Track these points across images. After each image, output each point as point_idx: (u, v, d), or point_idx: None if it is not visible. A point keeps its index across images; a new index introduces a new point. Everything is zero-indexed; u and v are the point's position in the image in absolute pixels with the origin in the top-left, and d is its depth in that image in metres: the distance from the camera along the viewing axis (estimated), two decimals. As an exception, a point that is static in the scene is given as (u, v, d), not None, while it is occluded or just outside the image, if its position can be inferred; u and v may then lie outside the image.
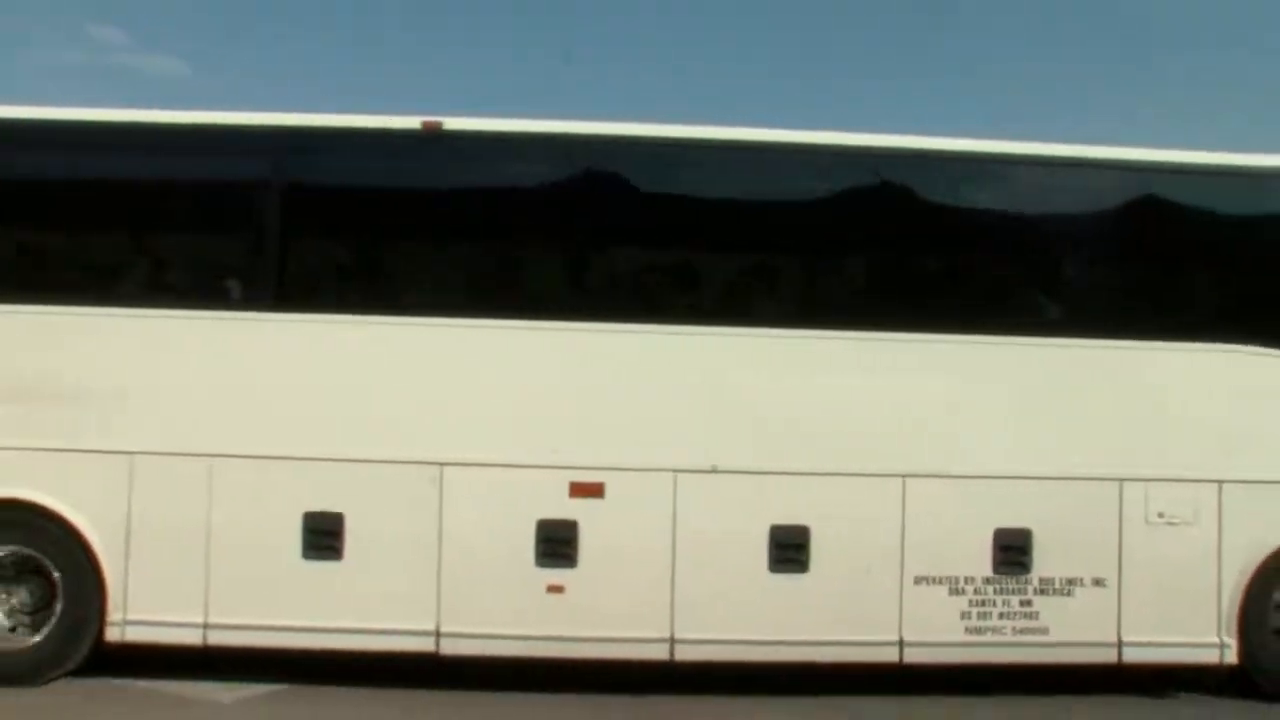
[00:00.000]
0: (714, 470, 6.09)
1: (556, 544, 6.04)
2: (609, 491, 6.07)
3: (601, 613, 6.03)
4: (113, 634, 6.00)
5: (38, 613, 6.15)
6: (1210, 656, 6.24)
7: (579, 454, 6.08)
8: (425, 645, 6.02)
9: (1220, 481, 6.23)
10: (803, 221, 6.46)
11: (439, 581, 6.02)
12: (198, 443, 6.02)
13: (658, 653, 6.08)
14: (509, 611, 6.03)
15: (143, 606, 5.99)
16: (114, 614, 5.99)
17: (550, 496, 6.06)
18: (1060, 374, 6.28)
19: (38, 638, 6.07)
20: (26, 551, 6.10)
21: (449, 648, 6.02)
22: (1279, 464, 6.24)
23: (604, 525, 6.05)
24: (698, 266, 6.56)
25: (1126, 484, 6.22)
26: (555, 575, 6.05)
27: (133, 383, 6.08)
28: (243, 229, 6.30)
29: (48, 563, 6.06)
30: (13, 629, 6.14)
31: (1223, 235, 6.55)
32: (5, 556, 6.13)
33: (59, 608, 6.04)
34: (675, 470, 6.09)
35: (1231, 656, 6.24)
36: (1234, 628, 6.23)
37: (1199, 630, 6.22)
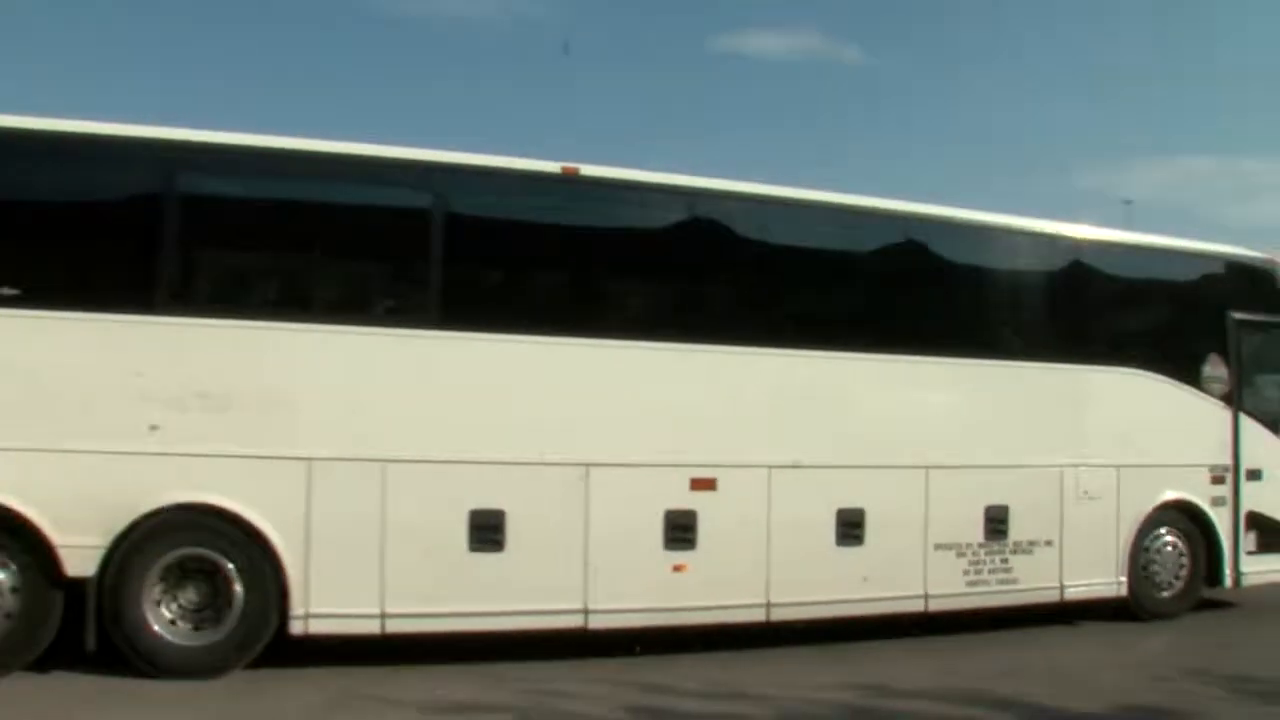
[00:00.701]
0: (796, 465, 7.58)
1: (680, 530, 7.25)
2: (720, 485, 7.36)
3: (714, 585, 7.31)
4: (296, 627, 6.42)
5: (202, 611, 6.39)
6: (1114, 591, 8.69)
7: (697, 455, 7.32)
8: (575, 622, 7.00)
9: (1119, 466, 8.69)
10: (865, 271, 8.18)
11: (586, 566, 7.01)
12: (372, 449, 6.57)
13: (758, 616, 7.47)
14: (643, 588, 7.15)
15: (324, 600, 6.45)
16: (296, 609, 6.40)
17: (674, 490, 7.25)
18: (1021, 390, 8.43)
19: (219, 635, 6.34)
20: (203, 553, 6.33)
21: (596, 623, 7.03)
22: (1153, 453, 8.82)
23: (717, 513, 7.33)
24: (784, 301, 7.97)
25: (1065, 470, 8.50)
26: (679, 556, 7.25)
27: (310, 393, 6.51)
28: (412, 255, 6.88)
29: (227, 563, 6.33)
30: (172, 622, 6.33)
31: (1121, 292, 9.06)
32: (182, 558, 6.31)
33: (239, 605, 6.34)
34: (769, 466, 7.51)
35: (1124, 590, 8.73)
36: (1125, 569, 8.73)
37: (1108, 573, 8.64)
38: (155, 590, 6.28)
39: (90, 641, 6.12)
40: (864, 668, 7.11)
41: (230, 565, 6.33)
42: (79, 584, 6.06)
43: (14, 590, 6.01)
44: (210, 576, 6.39)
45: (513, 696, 6.02)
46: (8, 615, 6.00)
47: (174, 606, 6.34)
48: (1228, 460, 9.08)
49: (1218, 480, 9.04)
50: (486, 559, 6.80)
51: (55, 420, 6.11)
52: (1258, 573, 9.18)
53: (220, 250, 6.75)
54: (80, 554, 6.05)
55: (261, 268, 6.91)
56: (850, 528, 7.74)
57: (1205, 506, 8.98)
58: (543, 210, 7.31)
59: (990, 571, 8.23)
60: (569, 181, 7.22)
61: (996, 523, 8.24)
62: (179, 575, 6.35)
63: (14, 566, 6.02)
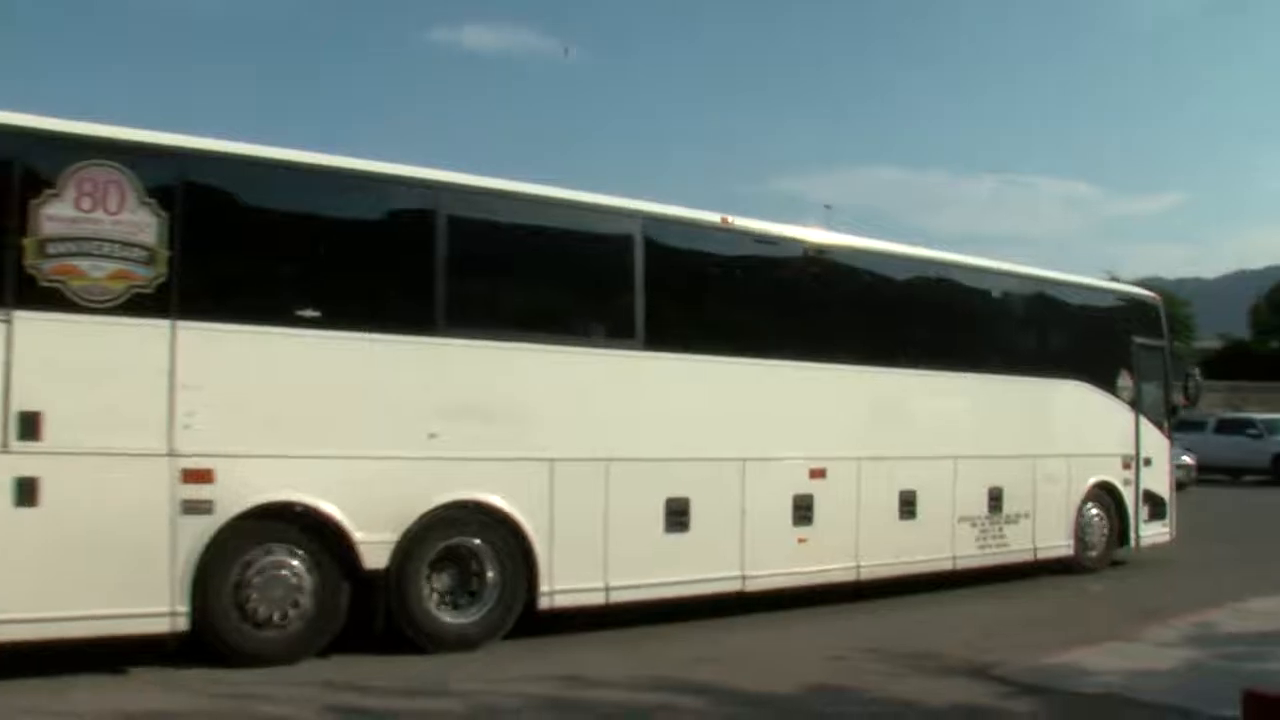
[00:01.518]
0: (875, 458, 9.56)
1: (803, 510, 9.03)
2: (829, 474, 9.21)
3: (824, 554, 9.15)
4: (543, 603, 7.59)
5: (455, 594, 7.41)
6: (1066, 552, 11.32)
7: (814, 450, 9.12)
8: (736, 586, 8.60)
9: (1069, 456, 11.37)
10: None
11: (742, 541, 8.63)
12: (598, 450, 7.87)
13: (850, 576, 9.38)
14: (778, 557, 8.85)
15: (564, 578, 7.67)
16: (544, 587, 7.58)
17: (798, 479, 9.03)
18: (1008, 397, 10.89)
19: (479, 613, 7.38)
20: (465, 542, 7.35)
21: (749, 586, 8.67)
22: (1089, 445, 11.57)
23: (827, 496, 9.17)
24: (874, 332, 9.87)
25: (1036, 459, 11.05)
26: (802, 531, 9.03)
27: (552, 404, 7.71)
28: (617, 287, 8.19)
29: (487, 550, 7.39)
30: (437, 605, 7.31)
31: (1069, 320, 11.78)
32: (447, 548, 7.29)
33: (495, 587, 7.42)
34: (858, 459, 9.44)
35: (1071, 551, 11.39)
36: (1072, 535, 11.41)
37: (1063, 538, 11.28)
38: (428, 577, 7.27)
39: (379, 625, 7.02)
40: (559, 659, 7.13)
41: (490, 552, 7.42)
42: (369, 576, 6.95)
43: (316, 587, 6.78)
44: (461, 563, 7.43)
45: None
46: (310, 609, 6.76)
47: (435, 592, 7.34)
48: (1133, 451, 12.04)
49: (1127, 466, 11.98)
50: (677, 538, 8.27)
51: (351, 429, 6.97)
52: (1149, 536, 12.23)
53: (486, 281, 7.75)
54: (376, 548, 6.94)
55: (517, 298, 7.97)
56: (907, 506, 9.85)
57: (1120, 486, 11.87)
58: (709, 254, 8.88)
59: (992, 538, 10.61)
60: (727, 230, 8.84)
61: (995, 500, 10.63)
62: (434, 564, 7.35)
63: (316, 564, 6.80)
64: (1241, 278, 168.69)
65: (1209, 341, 51.58)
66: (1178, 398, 12.79)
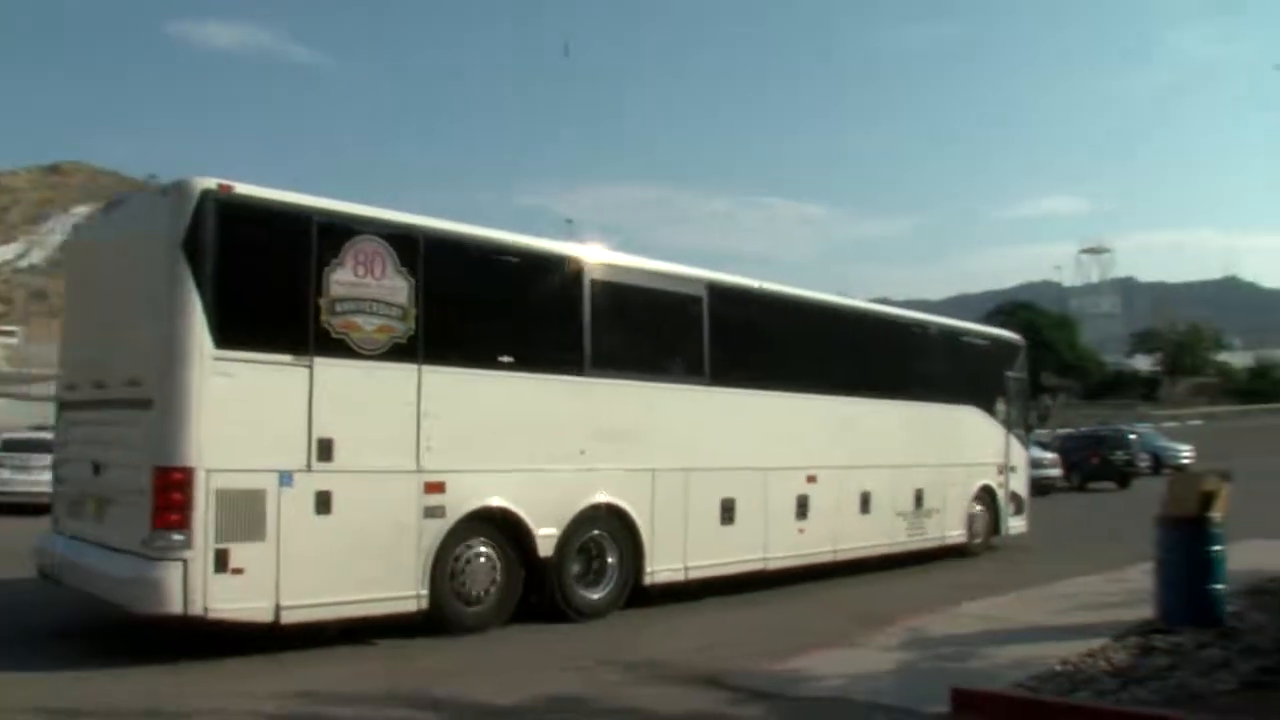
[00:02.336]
0: (845, 467, 12.34)
1: (802, 507, 11.68)
2: (819, 480, 11.90)
3: (814, 540, 11.83)
4: (647, 580, 9.81)
5: (585, 575, 9.49)
6: (962, 539, 14.60)
7: (808, 461, 11.79)
8: (760, 566, 11.12)
9: (966, 465, 14.68)
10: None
11: (765, 530, 11.16)
12: (681, 462, 10.17)
13: (830, 558, 12.11)
14: (785, 544, 11.45)
15: (659, 561, 9.93)
16: (648, 568, 9.81)
17: (800, 483, 11.67)
18: (930, 419, 14.03)
19: (603, 592, 9.51)
20: (598, 534, 9.44)
21: (769, 565, 11.22)
22: (978, 457, 14.92)
23: (817, 496, 11.86)
24: (847, 370, 12.65)
25: (944, 467, 14.25)
26: (801, 523, 11.67)
27: (653, 427, 9.94)
28: (693, 337, 10.50)
29: (610, 540, 9.53)
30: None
31: (967, 358, 15.09)
32: (587, 539, 9.37)
33: (617, 569, 9.57)
34: (835, 467, 12.17)
35: (965, 538, 14.70)
36: (965, 526, 14.72)
37: (960, 529, 14.56)
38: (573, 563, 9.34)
39: (546, 601, 9.04)
40: (298, 674, 7.06)
41: (611, 541, 9.58)
42: (541, 563, 8.93)
43: (503, 571, 8.73)
44: (588, 551, 9.52)
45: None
46: (501, 588, 8.69)
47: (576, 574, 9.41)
48: (1004, 460, 15.56)
49: (1000, 472, 15.46)
50: (726, 529, 10.70)
51: (532, 448, 8.95)
52: (1014, 527, 15.80)
53: (614, 333, 9.78)
54: (546, 540, 8.97)
55: (631, 345, 10.06)
56: (865, 503, 12.72)
57: (996, 488, 15.34)
58: (750, 311, 11.36)
59: (916, 529, 13.69)
60: (761, 293, 11.40)
61: (919, 500, 13.73)
62: (578, 552, 9.42)
63: (503, 554, 8.73)
64: (963, 300, 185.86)
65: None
66: (1033, 418, 16.50)
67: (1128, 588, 9.96)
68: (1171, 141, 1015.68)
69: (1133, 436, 33.12)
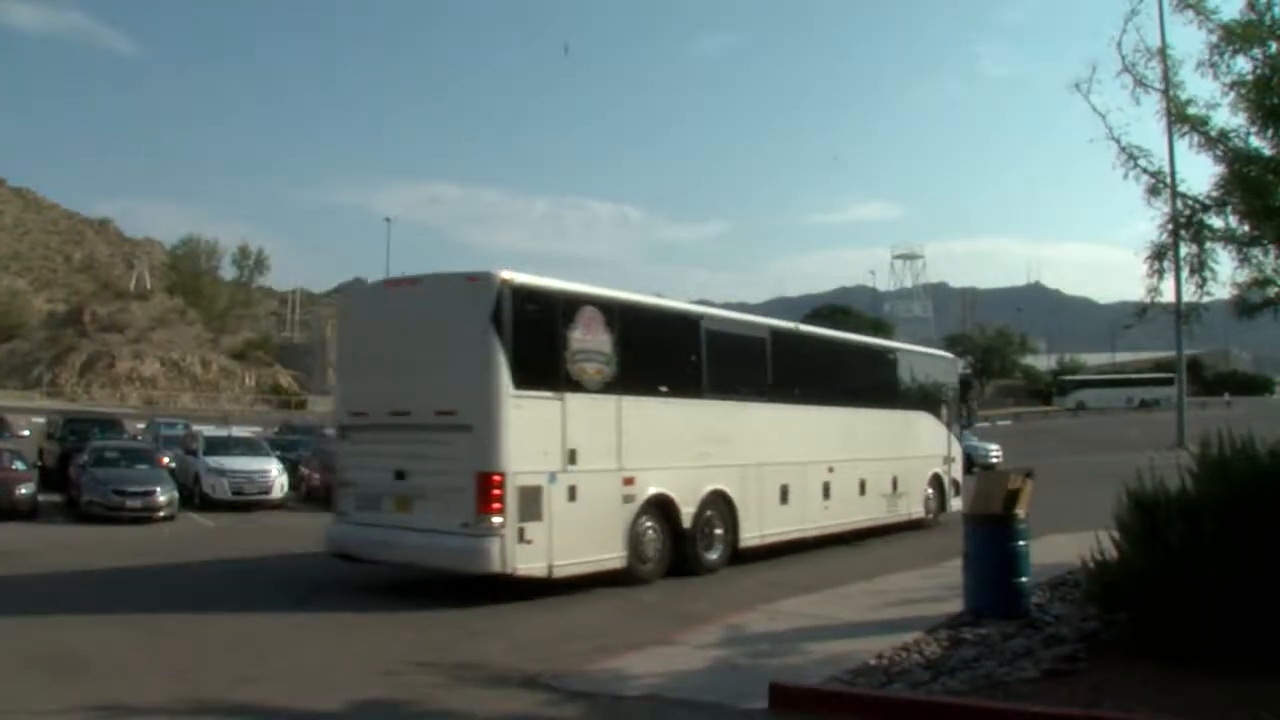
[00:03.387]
0: (851, 460, 16.35)
1: (826, 490, 15.66)
2: (835, 470, 15.87)
3: (834, 515, 15.82)
4: (742, 545, 13.51)
5: (701, 542, 13.12)
6: (921, 514, 18.89)
7: (829, 456, 15.77)
8: (802, 534, 15.03)
9: (923, 457, 18.99)
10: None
11: (804, 508, 15.08)
12: (757, 458, 13.98)
13: (841, 528, 16.10)
14: (818, 518, 15.40)
15: (747, 532, 13.69)
16: (742, 536, 13.53)
17: (824, 473, 15.63)
18: (899, 423, 18.24)
19: (717, 554, 13.18)
20: (709, 514, 13.08)
21: (808, 534, 15.14)
22: (929, 451, 19.23)
23: (835, 481, 15.85)
24: (839, 385, 16.67)
25: (909, 459, 18.49)
26: (826, 503, 15.67)
27: (741, 434, 13.71)
28: (760, 367, 14.28)
29: (718, 517, 13.20)
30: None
31: (922, 376, 19.39)
32: (705, 516, 13.01)
33: (723, 539, 13.24)
34: (845, 460, 16.18)
35: (923, 515, 18.97)
36: (923, 504, 19.01)
37: (920, 507, 18.84)
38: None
39: (689, 563, 12.58)
40: (96, 687, 6.97)
41: (718, 517, 13.25)
42: (685, 533, 12.50)
43: (662, 540, 12.27)
44: (704, 525, 13.15)
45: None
46: (661, 551, 12.23)
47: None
48: (947, 453, 19.99)
49: (945, 463, 19.87)
50: (784, 508, 14.57)
51: (676, 451, 12.54)
52: (954, 508, 20.14)
53: (715, 367, 13.43)
54: (687, 517, 12.61)
55: (726, 375, 13.73)
56: (862, 487, 16.80)
57: (942, 475, 19.73)
58: (792, 345, 15.23)
59: (891, 508, 17.88)
60: (797, 331, 15.28)
61: (894, 484, 17.92)
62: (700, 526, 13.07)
63: (660, 527, 12.27)
64: (782, 302, 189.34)
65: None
66: (964, 419, 21.08)
67: (941, 583, 10.37)
68: (980, 154, 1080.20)
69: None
